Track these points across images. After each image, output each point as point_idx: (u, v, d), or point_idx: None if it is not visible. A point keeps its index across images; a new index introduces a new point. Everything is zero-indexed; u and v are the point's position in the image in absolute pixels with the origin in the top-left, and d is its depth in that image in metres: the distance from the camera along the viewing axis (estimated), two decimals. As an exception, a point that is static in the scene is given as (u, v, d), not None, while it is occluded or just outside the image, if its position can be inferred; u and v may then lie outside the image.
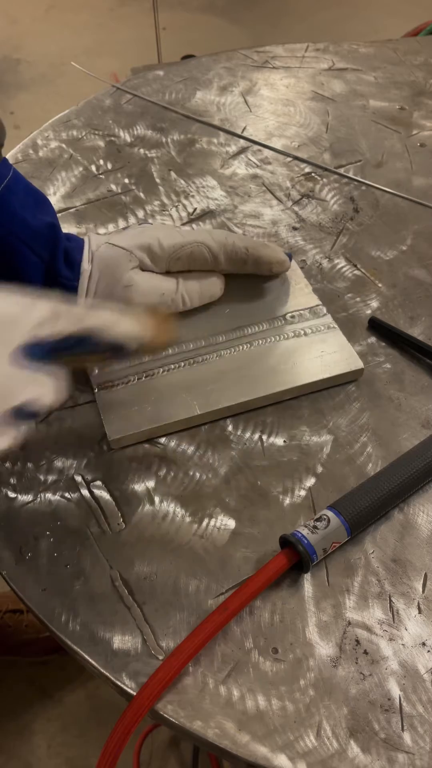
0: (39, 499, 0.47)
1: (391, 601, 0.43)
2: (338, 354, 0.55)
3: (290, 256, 0.60)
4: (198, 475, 0.49)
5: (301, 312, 0.58)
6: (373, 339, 0.59)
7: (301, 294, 0.60)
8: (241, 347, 0.55)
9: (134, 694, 0.38)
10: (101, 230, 0.68)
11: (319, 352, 0.55)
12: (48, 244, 0.52)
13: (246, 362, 0.54)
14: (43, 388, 0.38)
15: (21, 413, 0.37)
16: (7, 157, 0.77)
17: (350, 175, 0.76)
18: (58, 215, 0.69)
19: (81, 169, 0.76)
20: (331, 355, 0.55)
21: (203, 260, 0.56)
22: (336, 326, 0.57)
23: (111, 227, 0.68)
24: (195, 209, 0.71)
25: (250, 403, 0.52)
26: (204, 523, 0.46)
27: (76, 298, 0.54)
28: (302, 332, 0.56)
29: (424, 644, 0.41)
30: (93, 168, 0.76)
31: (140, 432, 0.50)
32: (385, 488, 0.45)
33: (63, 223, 0.68)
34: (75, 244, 0.55)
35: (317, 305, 0.59)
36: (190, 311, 0.57)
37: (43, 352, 0.38)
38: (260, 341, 0.56)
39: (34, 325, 0.38)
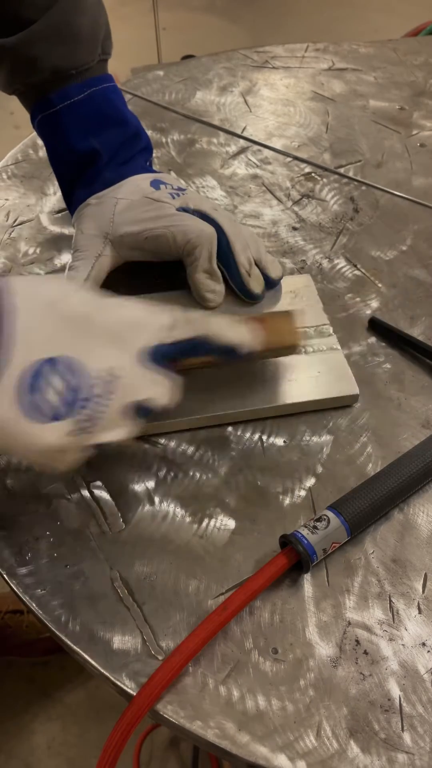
0: (39, 499, 0.47)
1: (391, 601, 0.43)
2: (335, 377, 0.53)
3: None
4: (198, 475, 0.49)
5: (306, 329, 0.56)
6: (373, 339, 0.59)
7: (310, 311, 0.57)
8: None
9: (134, 694, 0.38)
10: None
11: (316, 372, 0.53)
12: (79, 169, 0.56)
13: (239, 374, 0.52)
14: (161, 388, 0.41)
15: (141, 409, 0.40)
16: (7, 156, 0.78)
17: (350, 175, 0.76)
18: (59, 215, 0.69)
19: (81, 169, 0.76)
20: (328, 377, 0.53)
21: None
22: (339, 348, 0.55)
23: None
24: (195, 209, 0.71)
25: (235, 415, 0.51)
26: (204, 523, 0.46)
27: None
28: (303, 350, 0.54)
29: (424, 644, 0.41)
30: (93, 168, 0.76)
31: None
32: (385, 488, 0.45)
33: (64, 222, 0.68)
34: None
35: (324, 324, 0.56)
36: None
37: (163, 355, 0.41)
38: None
39: (157, 329, 0.41)
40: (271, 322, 0.48)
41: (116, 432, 0.40)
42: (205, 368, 0.48)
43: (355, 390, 0.52)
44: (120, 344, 0.39)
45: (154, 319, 0.42)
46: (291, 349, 0.50)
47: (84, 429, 0.38)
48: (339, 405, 0.53)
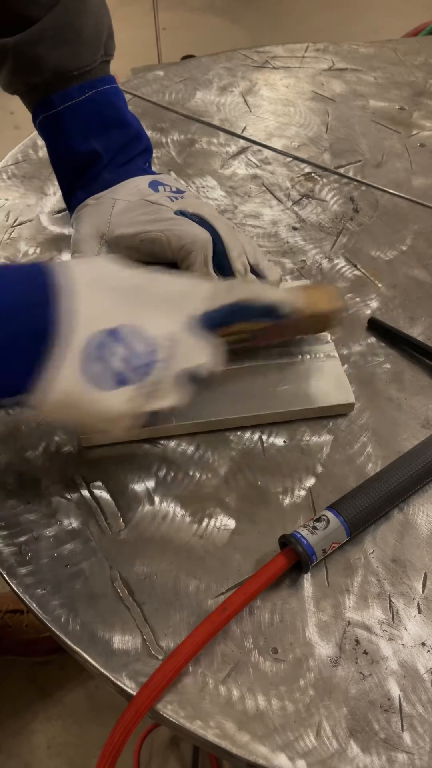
0: (39, 499, 0.47)
1: (390, 601, 0.43)
2: (332, 385, 0.52)
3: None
4: (198, 475, 0.49)
5: (303, 335, 0.56)
6: (372, 339, 0.59)
7: None
8: (229, 363, 0.53)
9: (134, 694, 0.38)
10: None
11: (312, 380, 0.53)
12: (79, 170, 0.57)
13: (231, 380, 0.52)
14: (211, 355, 0.42)
15: (193, 376, 0.42)
16: (7, 156, 0.78)
17: (350, 175, 0.76)
18: (59, 215, 0.69)
19: (81, 169, 0.76)
20: (324, 385, 0.52)
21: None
22: (336, 356, 0.54)
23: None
24: (195, 209, 0.71)
25: (226, 422, 0.51)
26: (204, 523, 0.46)
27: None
28: (299, 356, 0.54)
29: (423, 644, 0.41)
30: (93, 168, 0.76)
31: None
32: (385, 488, 0.45)
33: (64, 222, 0.68)
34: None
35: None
36: None
37: (211, 321, 0.43)
38: (251, 360, 0.53)
39: (201, 298, 0.43)
40: (311, 290, 0.50)
41: (172, 398, 0.41)
42: (247, 344, 0.49)
43: (351, 399, 0.52)
44: (173, 312, 0.41)
45: (199, 288, 0.43)
46: (329, 319, 0.51)
47: (148, 394, 0.39)
48: (334, 413, 0.53)
